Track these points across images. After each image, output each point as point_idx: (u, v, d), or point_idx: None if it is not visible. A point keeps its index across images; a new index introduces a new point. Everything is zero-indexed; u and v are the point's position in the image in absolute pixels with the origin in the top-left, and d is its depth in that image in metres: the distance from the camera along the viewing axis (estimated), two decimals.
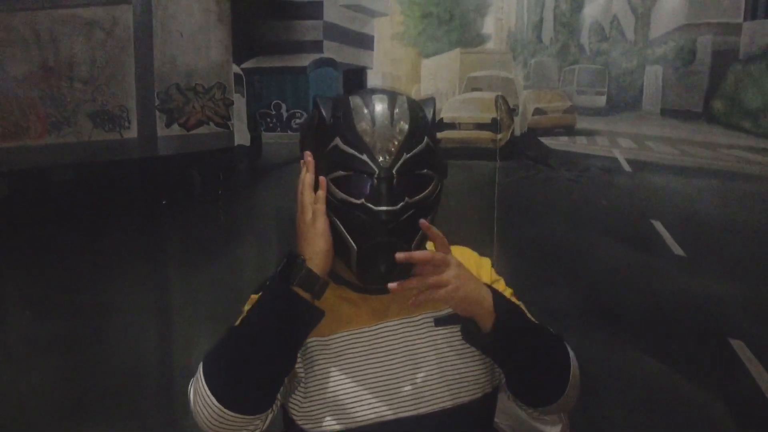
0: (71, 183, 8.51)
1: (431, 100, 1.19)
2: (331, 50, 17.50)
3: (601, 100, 11.44)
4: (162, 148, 10.33)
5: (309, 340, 1.17)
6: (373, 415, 1.15)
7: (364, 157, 1.08)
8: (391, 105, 1.12)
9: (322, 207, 1.12)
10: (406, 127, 1.11)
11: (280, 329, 1.08)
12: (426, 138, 1.13)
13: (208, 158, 10.99)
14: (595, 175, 7.75)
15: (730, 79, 5.84)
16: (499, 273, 1.34)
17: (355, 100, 1.13)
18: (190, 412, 1.15)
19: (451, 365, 1.18)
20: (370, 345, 1.18)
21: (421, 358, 1.18)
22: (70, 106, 8.91)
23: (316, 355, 1.18)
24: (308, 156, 1.15)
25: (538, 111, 13.16)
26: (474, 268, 1.26)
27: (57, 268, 5.85)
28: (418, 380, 1.17)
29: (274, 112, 15.22)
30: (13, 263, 5.94)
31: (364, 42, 21.59)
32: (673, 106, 7.24)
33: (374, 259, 1.10)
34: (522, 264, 5.35)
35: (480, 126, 11.62)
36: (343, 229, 1.11)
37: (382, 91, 1.16)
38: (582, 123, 11.48)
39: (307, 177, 1.14)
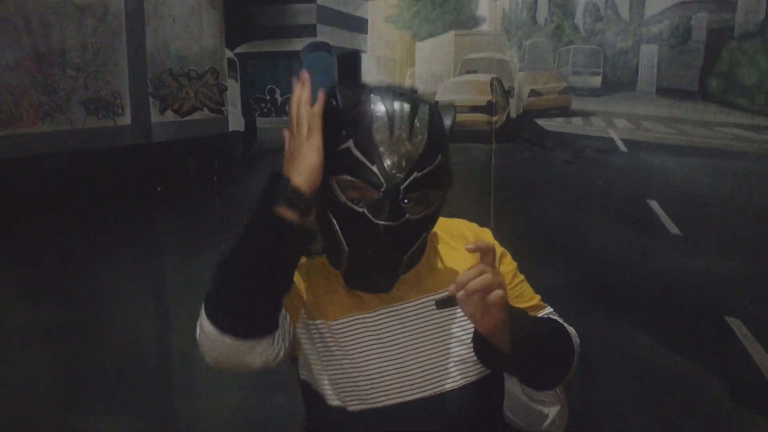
0: (65, 171, 8.47)
1: (451, 110, 1.16)
2: (325, 34, 17.41)
3: (597, 81, 11.40)
4: (156, 135, 10.29)
5: (316, 321, 1.17)
6: (381, 399, 1.15)
7: (375, 168, 1.06)
8: (412, 115, 1.09)
9: (317, 122, 1.08)
10: (423, 143, 1.08)
11: (266, 252, 1.06)
12: (440, 156, 1.10)
13: (202, 144, 10.95)
14: (591, 155, 7.73)
15: (725, 57, 5.79)
16: None
17: (376, 101, 1.09)
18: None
19: (459, 343, 1.19)
20: (374, 330, 1.18)
21: (426, 340, 1.18)
22: (63, 94, 8.87)
23: (325, 336, 1.18)
24: (304, 74, 1.11)
25: (533, 92, 13.12)
26: (474, 240, 1.26)
27: (51, 256, 5.83)
28: (424, 362, 1.17)
29: (268, 97, 15.15)
30: (6, 252, 5.92)
31: (358, 25, 21.47)
32: (669, 85, 7.20)
33: (365, 267, 1.11)
34: (519, 245, 5.32)
35: (475, 108, 11.62)
36: (338, 229, 1.10)
37: (405, 96, 1.12)
38: (577, 104, 11.45)
39: (304, 93, 1.10)
